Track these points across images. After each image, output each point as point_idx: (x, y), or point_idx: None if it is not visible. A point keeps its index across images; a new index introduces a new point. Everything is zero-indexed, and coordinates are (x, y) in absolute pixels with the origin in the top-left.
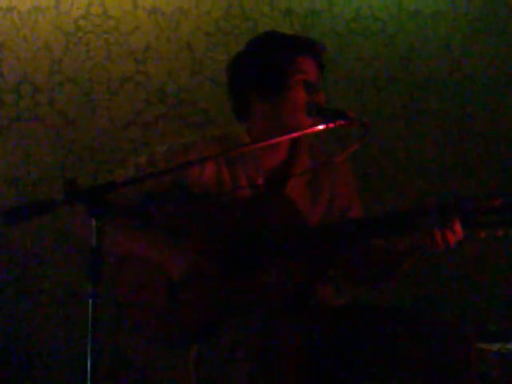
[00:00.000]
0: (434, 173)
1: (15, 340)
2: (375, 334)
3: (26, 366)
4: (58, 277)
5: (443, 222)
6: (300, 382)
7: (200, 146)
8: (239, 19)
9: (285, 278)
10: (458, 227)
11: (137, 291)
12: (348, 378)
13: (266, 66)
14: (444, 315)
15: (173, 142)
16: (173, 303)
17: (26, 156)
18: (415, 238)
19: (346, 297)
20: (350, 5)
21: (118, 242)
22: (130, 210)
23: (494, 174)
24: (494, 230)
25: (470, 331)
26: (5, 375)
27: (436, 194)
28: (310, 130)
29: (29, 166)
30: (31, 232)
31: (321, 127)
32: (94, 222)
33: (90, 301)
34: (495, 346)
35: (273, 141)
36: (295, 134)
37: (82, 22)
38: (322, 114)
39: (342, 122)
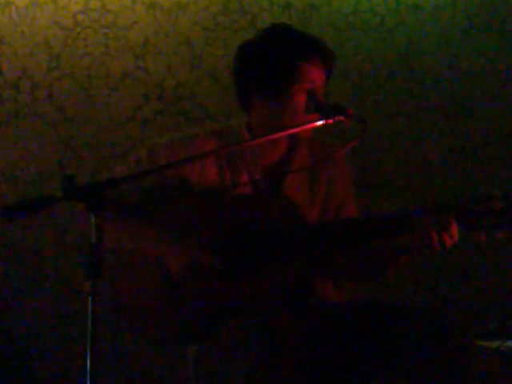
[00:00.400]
0: (433, 169)
1: (14, 338)
2: (375, 332)
3: (26, 363)
4: (57, 273)
5: (440, 223)
6: (300, 381)
7: (200, 141)
8: (238, 14)
9: (285, 276)
10: (454, 229)
11: (137, 291)
12: (348, 376)
13: (271, 68)
14: (444, 313)
15: (173, 136)
16: (173, 303)
17: (25, 152)
18: (412, 239)
19: (345, 294)
20: None
21: (119, 236)
22: (130, 205)
23: (495, 171)
24: (495, 232)
25: (469, 328)
26: (4, 373)
27: (435, 191)
28: (308, 126)
29: (27, 162)
30: (30, 228)
31: (319, 123)
32: (92, 219)
33: (90, 298)
34: (495, 344)
35: (272, 136)
36: (294, 130)
37: (80, 17)
38: (321, 110)
39: (341, 118)
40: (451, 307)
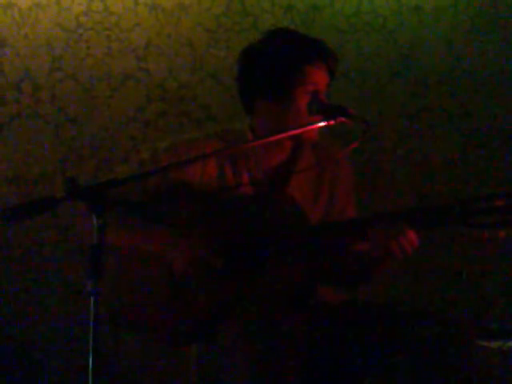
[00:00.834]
0: (435, 169)
1: (16, 337)
2: (375, 333)
3: (27, 363)
4: (59, 274)
5: (394, 230)
6: (300, 381)
7: (202, 143)
8: (240, 15)
9: (285, 276)
10: (411, 234)
11: (138, 291)
12: (348, 376)
13: (274, 72)
14: (444, 313)
15: (175, 138)
16: (174, 302)
17: (27, 153)
18: (372, 247)
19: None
20: (350, 0)
21: (121, 235)
22: (133, 206)
23: (495, 171)
24: (497, 231)
25: (470, 329)
26: (5, 373)
27: (437, 191)
28: (310, 127)
29: (29, 163)
30: (32, 230)
31: (321, 124)
32: (94, 220)
33: (92, 298)
34: (496, 344)
35: (275, 138)
36: (297, 131)
37: (82, 19)
38: (323, 111)
39: (343, 119)
40: (451, 307)
